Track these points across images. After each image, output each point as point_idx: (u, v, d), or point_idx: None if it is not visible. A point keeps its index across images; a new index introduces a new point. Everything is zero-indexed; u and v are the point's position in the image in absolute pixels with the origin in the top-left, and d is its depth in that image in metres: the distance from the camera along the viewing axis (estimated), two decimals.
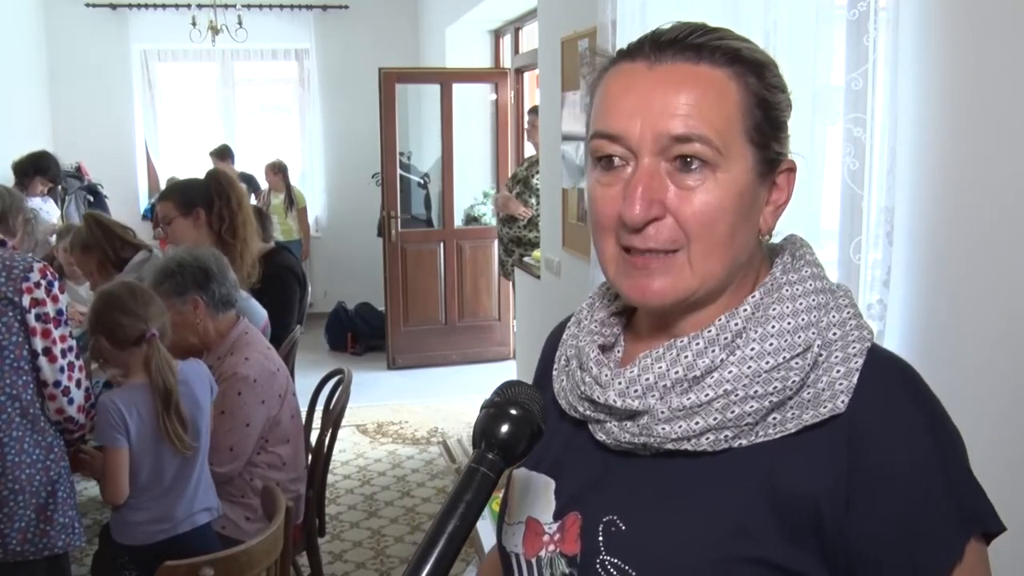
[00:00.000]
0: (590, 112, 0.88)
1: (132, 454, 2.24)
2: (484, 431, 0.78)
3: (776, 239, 0.93)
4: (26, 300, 2.12)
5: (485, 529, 1.97)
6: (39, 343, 2.15)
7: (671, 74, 0.82)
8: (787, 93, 0.86)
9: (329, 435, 2.91)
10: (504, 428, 0.78)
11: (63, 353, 2.19)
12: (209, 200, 3.30)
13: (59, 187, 5.89)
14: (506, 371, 6.07)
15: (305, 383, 3.37)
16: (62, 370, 2.18)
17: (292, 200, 7.36)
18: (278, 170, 7.31)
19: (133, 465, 2.25)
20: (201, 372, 2.43)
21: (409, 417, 5.46)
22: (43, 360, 2.16)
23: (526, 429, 0.78)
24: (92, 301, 2.38)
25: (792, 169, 0.87)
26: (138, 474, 2.26)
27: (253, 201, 6.22)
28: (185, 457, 2.30)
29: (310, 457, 2.96)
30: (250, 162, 8.07)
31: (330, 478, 3.87)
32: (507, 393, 0.80)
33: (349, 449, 4.90)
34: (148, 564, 1.91)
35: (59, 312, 2.19)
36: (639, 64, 0.83)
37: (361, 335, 7.03)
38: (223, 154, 7.19)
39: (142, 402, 2.24)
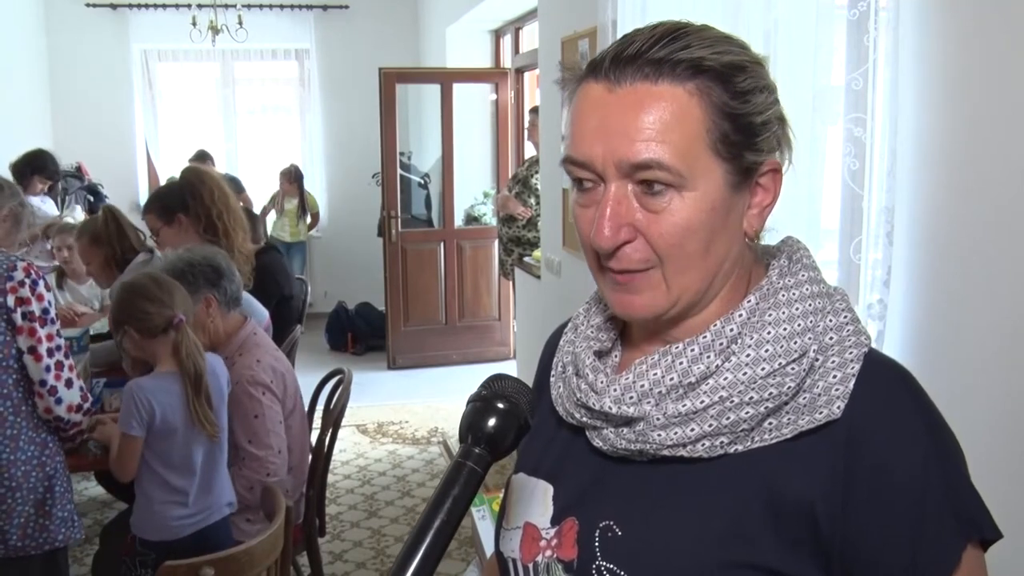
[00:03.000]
0: (564, 129, 0.87)
1: (160, 443, 2.25)
2: (470, 425, 0.78)
3: (776, 239, 0.93)
4: (11, 300, 2.12)
5: (486, 530, 1.97)
6: (24, 342, 2.14)
7: (630, 97, 0.80)
8: (766, 93, 0.83)
9: (329, 435, 2.91)
10: (491, 422, 0.77)
11: (49, 352, 2.18)
12: (185, 203, 3.28)
13: (59, 184, 5.88)
14: (506, 371, 6.02)
15: (305, 383, 3.35)
16: (48, 369, 2.17)
17: (305, 207, 7.45)
18: (293, 179, 7.42)
19: (164, 454, 2.26)
20: (220, 367, 2.45)
21: (409, 417, 5.46)
22: (28, 359, 2.15)
23: (513, 423, 0.78)
24: (115, 294, 2.36)
25: (777, 169, 0.86)
26: (169, 464, 2.27)
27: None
28: (212, 445, 2.32)
29: (310, 457, 2.96)
30: (250, 162, 8.09)
31: (330, 478, 3.87)
32: (494, 387, 0.80)
33: (349, 449, 4.90)
34: (175, 558, 1.91)
35: (44, 311, 2.18)
36: (600, 85, 0.82)
37: (361, 335, 7.03)
38: (202, 159, 7.20)
39: (172, 391, 2.26)
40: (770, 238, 0.92)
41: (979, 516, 0.81)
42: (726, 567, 0.80)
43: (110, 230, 3.31)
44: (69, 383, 2.22)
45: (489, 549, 1.69)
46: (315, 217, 7.75)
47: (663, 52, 0.80)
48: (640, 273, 0.83)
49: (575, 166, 0.83)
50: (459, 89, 6.54)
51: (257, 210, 7.15)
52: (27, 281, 2.14)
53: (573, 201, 0.86)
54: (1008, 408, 1.52)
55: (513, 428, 0.78)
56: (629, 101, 0.80)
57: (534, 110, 5.22)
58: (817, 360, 0.82)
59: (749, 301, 0.85)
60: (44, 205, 5.57)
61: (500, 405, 0.78)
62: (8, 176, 5.40)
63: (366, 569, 3.61)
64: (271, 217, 7.58)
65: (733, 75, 0.81)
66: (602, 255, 0.83)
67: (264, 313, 3.18)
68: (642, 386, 0.84)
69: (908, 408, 0.81)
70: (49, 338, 2.18)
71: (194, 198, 3.28)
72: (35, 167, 5.43)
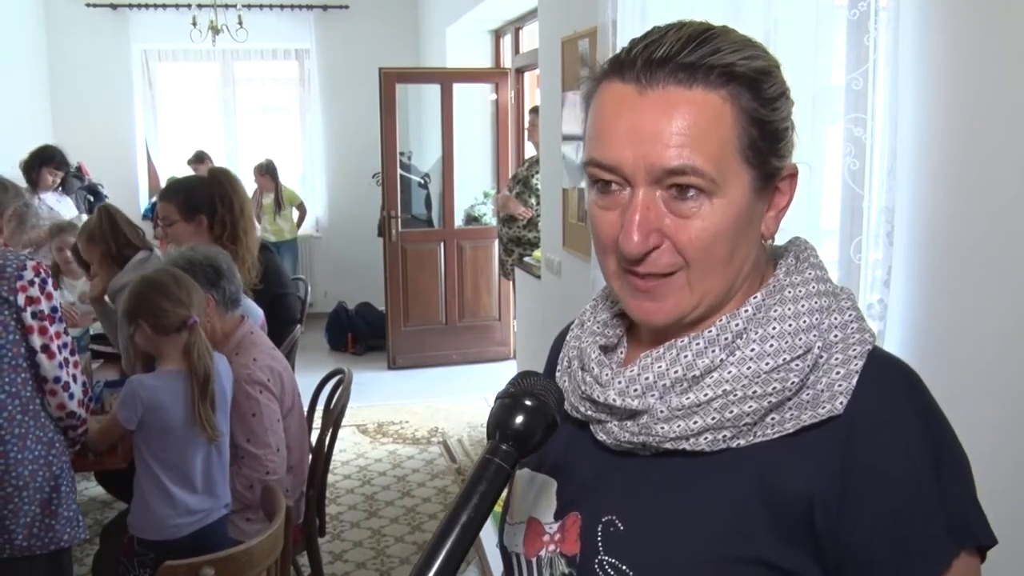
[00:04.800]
0: (585, 127, 0.86)
1: (159, 442, 2.27)
2: (499, 422, 0.78)
3: (780, 239, 0.93)
4: (21, 299, 2.13)
5: (485, 529, 1.97)
6: (37, 340, 2.16)
7: (663, 100, 0.79)
8: (788, 99, 0.84)
9: (329, 435, 2.91)
10: (519, 419, 0.77)
11: (59, 349, 2.20)
12: (212, 206, 3.28)
13: (70, 174, 5.89)
14: (506, 371, 6.06)
15: (305, 383, 3.36)
16: (61, 366, 2.20)
17: (280, 202, 7.35)
18: (265, 171, 7.30)
19: (163, 455, 2.28)
20: (225, 369, 2.45)
21: (409, 417, 5.46)
22: (42, 357, 2.17)
23: (541, 420, 0.78)
24: (132, 287, 2.37)
25: (794, 174, 0.86)
26: (168, 465, 2.28)
27: None
28: (211, 447, 2.32)
29: (310, 457, 2.96)
30: (250, 163, 8.07)
31: (330, 478, 3.87)
32: (522, 384, 0.80)
33: (349, 449, 4.90)
34: (174, 558, 1.92)
35: (53, 309, 2.20)
36: (630, 86, 0.81)
37: (361, 335, 7.03)
38: (200, 159, 7.18)
39: (174, 390, 2.27)
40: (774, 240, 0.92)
41: (974, 522, 0.80)
42: (726, 562, 0.80)
43: (104, 228, 3.31)
44: (75, 378, 2.26)
45: (490, 548, 1.69)
46: (301, 208, 7.60)
47: (694, 56, 0.79)
48: (665, 278, 0.83)
49: (601, 169, 0.82)
50: (459, 89, 6.54)
51: None
52: (36, 280, 2.16)
53: (591, 202, 0.85)
54: (1009, 408, 1.52)
55: (541, 425, 0.78)
56: (662, 105, 0.79)
57: (534, 110, 5.22)
58: (821, 357, 0.82)
59: (756, 298, 0.85)
60: (59, 205, 5.57)
61: (528, 402, 0.78)
62: (10, 175, 5.43)
63: (366, 569, 3.61)
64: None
65: (762, 81, 0.81)
66: (627, 260, 0.82)
67: (259, 312, 3.18)
68: (647, 379, 0.84)
69: (908, 407, 0.81)
70: (58, 336, 2.21)
71: (223, 204, 3.28)
72: (42, 159, 5.47)
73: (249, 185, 7.45)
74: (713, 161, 0.79)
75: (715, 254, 0.81)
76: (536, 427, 0.78)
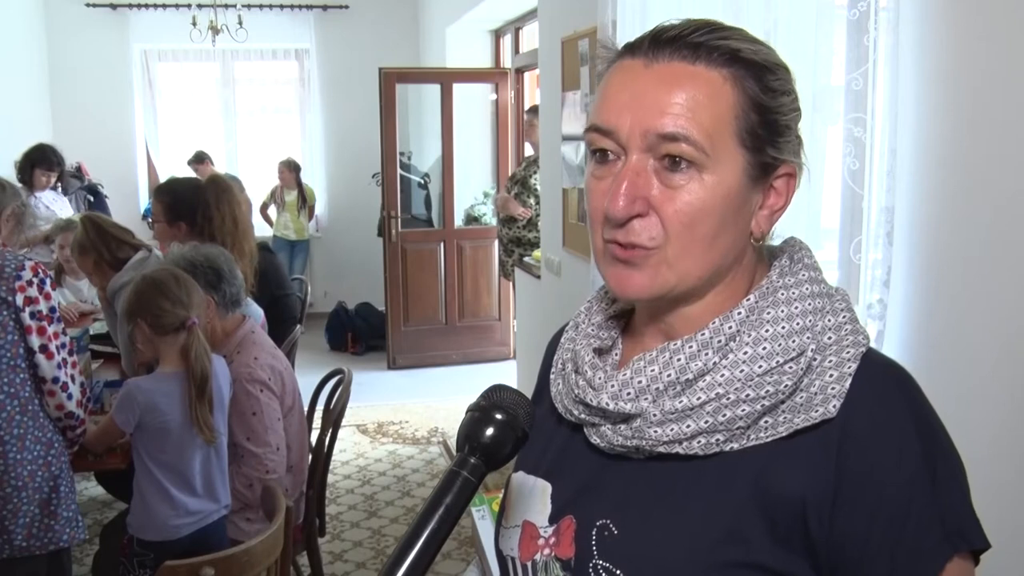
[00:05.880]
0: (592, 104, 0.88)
1: (157, 443, 2.28)
2: (468, 435, 0.79)
3: (776, 240, 0.93)
4: (20, 299, 2.13)
5: (486, 530, 1.96)
6: (35, 340, 2.16)
7: (666, 72, 0.81)
8: (792, 97, 0.85)
9: (329, 435, 2.91)
10: (488, 432, 0.78)
11: (58, 350, 2.21)
12: (192, 217, 3.32)
13: (65, 175, 5.89)
14: (506, 371, 6.07)
15: (305, 383, 3.35)
16: (59, 366, 2.20)
17: (304, 198, 7.46)
18: (292, 168, 7.46)
19: (161, 456, 2.28)
20: (224, 371, 2.45)
21: (409, 417, 5.46)
22: (41, 357, 2.17)
23: (510, 434, 0.79)
24: (134, 285, 2.37)
25: (792, 174, 0.86)
26: (166, 466, 2.28)
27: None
28: (210, 448, 2.32)
29: (310, 457, 2.96)
30: (250, 163, 8.09)
31: (330, 478, 3.87)
32: (493, 397, 0.81)
33: (349, 449, 4.90)
34: (173, 559, 1.92)
35: (51, 309, 2.21)
36: (638, 61, 0.83)
37: (361, 335, 7.04)
38: (200, 159, 7.20)
39: (171, 392, 2.27)
40: (771, 239, 0.92)
41: (967, 526, 0.80)
42: (721, 566, 0.80)
43: (91, 237, 3.32)
44: (73, 379, 2.26)
45: (489, 549, 1.69)
46: (311, 210, 7.75)
47: (703, 38, 0.82)
48: (644, 251, 0.83)
49: (599, 134, 0.84)
50: (459, 89, 6.54)
51: (257, 206, 7.16)
52: (35, 280, 2.17)
53: (588, 173, 0.86)
54: (1009, 408, 1.52)
55: (510, 440, 0.79)
56: (664, 77, 0.81)
57: (532, 110, 5.21)
58: (815, 360, 0.82)
59: (749, 299, 0.85)
60: (54, 205, 5.56)
61: (498, 416, 0.79)
62: (11, 175, 5.44)
63: (366, 569, 3.61)
64: (272, 213, 7.59)
65: (766, 71, 0.83)
66: (611, 225, 0.83)
67: (260, 312, 3.19)
68: (640, 382, 0.84)
69: (901, 410, 0.81)
70: (56, 336, 2.21)
71: (204, 217, 3.32)
72: (34, 160, 5.48)
73: (262, 182, 7.54)
74: (707, 134, 0.80)
75: (697, 231, 0.81)
76: (505, 441, 0.78)
